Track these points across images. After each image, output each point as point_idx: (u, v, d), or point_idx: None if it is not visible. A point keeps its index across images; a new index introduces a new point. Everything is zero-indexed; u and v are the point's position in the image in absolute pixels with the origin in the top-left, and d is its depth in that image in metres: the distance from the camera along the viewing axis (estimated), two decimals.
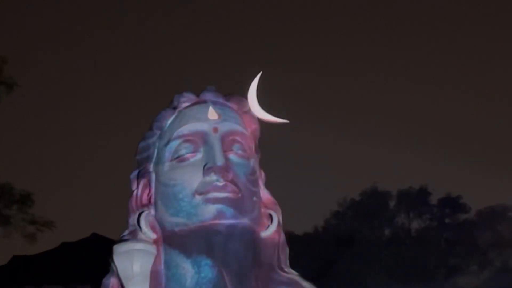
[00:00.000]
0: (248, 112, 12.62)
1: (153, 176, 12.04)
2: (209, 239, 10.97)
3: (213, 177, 11.22)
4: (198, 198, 11.19)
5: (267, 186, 12.57)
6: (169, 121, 12.19)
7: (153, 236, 11.43)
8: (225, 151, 11.70)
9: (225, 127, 11.93)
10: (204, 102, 12.33)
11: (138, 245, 11.26)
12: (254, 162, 12.35)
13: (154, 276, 11.22)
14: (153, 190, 11.91)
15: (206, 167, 11.30)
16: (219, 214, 11.07)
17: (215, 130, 11.81)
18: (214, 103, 12.27)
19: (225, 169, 11.28)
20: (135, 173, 12.34)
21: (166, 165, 11.84)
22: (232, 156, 11.67)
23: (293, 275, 12.05)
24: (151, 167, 12.13)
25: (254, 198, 11.87)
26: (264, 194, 12.37)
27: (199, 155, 11.58)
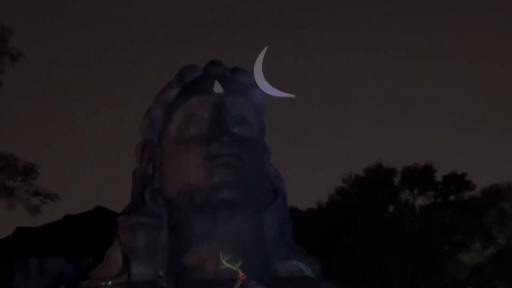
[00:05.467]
0: (254, 86, 12.43)
1: (158, 149, 11.91)
2: (213, 213, 10.94)
3: (218, 151, 11.09)
4: (203, 171, 11.08)
5: (272, 161, 12.41)
6: (174, 94, 12.04)
7: (157, 209, 11.38)
8: (230, 125, 11.54)
9: (230, 101, 11.76)
10: (210, 75, 12.13)
11: (142, 219, 11.24)
12: (259, 136, 12.18)
13: (158, 248, 11.21)
14: (157, 163, 11.81)
15: (211, 141, 11.16)
16: (224, 189, 11.00)
17: (221, 104, 11.64)
18: (220, 77, 12.07)
19: (230, 143, 11.15)
20: (139, 145, 12.22)
21: (171, 138, 11.71)
22: (237, 130, 11.53)
23: (298, 250, 11.98)
24: (156, 140, 11.99)
25: (259, 173, 11.73)
26: (270, 168, 12.23)
27: (204, 129, 11.44)
